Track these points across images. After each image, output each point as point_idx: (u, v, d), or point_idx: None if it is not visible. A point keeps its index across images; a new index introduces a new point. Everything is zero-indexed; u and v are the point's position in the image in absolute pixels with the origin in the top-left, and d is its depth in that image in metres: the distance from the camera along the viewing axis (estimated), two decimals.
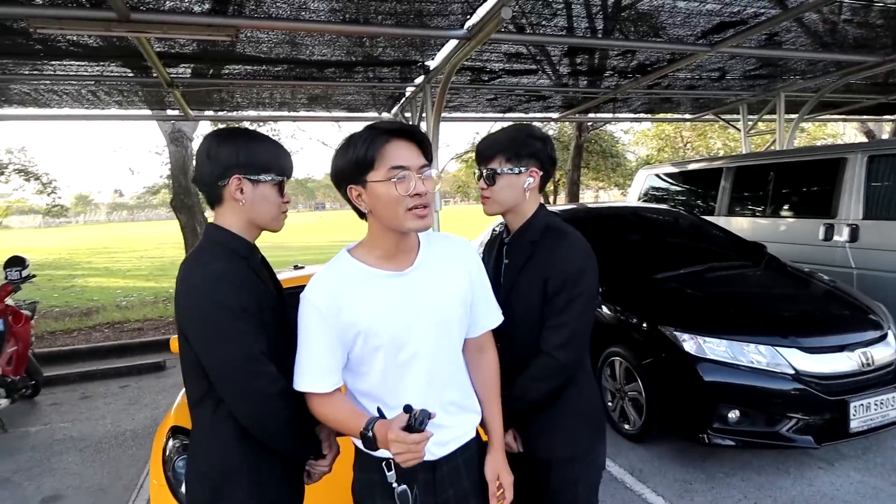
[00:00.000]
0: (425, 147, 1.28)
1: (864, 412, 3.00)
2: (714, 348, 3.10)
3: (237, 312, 1.24)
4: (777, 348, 3.06)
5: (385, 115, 7.36)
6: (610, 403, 3.77)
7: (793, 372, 3.00)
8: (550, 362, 1.52)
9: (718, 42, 4.90)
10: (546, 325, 1.54)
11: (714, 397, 3.02)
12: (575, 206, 5.83)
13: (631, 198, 7.97)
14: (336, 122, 10.08)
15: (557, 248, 1.56)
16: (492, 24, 3.71)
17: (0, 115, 6.23)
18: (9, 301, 4.58)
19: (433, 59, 5.05)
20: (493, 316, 1.50)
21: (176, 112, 6.49)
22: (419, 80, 5.67)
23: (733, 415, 3.01)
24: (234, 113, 7.22)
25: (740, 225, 5.99)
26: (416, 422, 1.09)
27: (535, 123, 15.43)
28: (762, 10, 4.33)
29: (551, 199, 18.43)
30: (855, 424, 2.98)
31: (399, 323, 1.27)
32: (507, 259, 1.67)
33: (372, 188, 1.23)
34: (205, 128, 9.11)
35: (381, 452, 1.25)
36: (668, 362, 3.27)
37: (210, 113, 7.19)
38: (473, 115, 7.88)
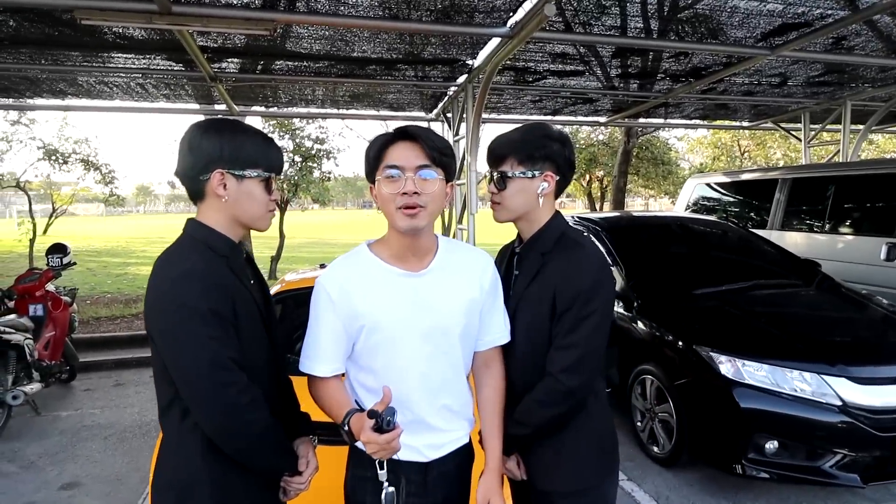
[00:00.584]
0: (429, 148, 1.27)
1: None
2: (753, 373, 2.88)
3: (205, 315, 1.15)
4: (823, 376, 2.82)
5: (428, 114, 7.32)
6: (639, 423, 3.58)
7: (840, 403, 2.76)
8: (557, 386, 1.39)
9: (780, 45, 4.60)
10: (554, 345, 1.41)
11: (751, 426, 2.81)
12: (617, 214, 5.61)
13: (678, 207, 7.66)
14: (382, 120, 10.14)
15: (569, 261, 1.43)
16: (535, 22, 3.59)
17: (52, 106, 6.53)
18: (49, 287, 4.77)
19: (475, 57, 4.96)
20: (503, 333, 1.47)
21: (223, 107, 6.64)
22: (461, 79, 5.59)
23: (771, 445, 2.79)
24: (279, 109, 7.33)
25: (794, 240, 5.64)
26: (384, 423, 1.14)
27: (581, 127, 15.10)
28: (829, 12, 4.00)
29: (597, 205, 18.00)
30: None
31: (400, 323, 1.30)
32: (517, 270, 1.55)
33: (376, 187, 1.31)
34: (251, 123, 9.30)
35: None
36: (702, 384, 3.06)
37: (256, 108, 7.32)
38: (517, 116, 7.72)
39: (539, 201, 1.48)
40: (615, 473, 1.55)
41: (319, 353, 1.34)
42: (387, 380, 1.29)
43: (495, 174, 1.50)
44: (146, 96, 6.07)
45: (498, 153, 1.50)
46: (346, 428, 1.26)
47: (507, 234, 1.53)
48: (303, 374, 1.38)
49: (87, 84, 5.56)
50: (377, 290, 1.31)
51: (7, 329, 4.15)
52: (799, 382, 2.81)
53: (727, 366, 2.94)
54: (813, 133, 8.03)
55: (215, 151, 1.24)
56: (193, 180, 1.27)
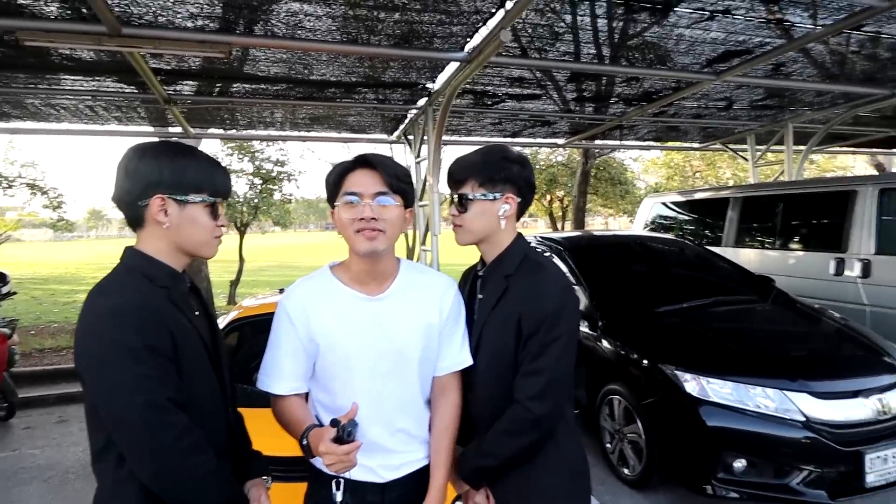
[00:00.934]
0: (387, 175, 1.31)
1: (881, 465, 2.79)
2: (718, 390, 2.91)
3: (139, 353, 1.06)
4: (786, 392, 2.87)
5: (390, 136, 7.30)
6: (608, 445, 3.57)
7: (803, 419, 2.81)
8: (524, 414, 1.35)
9: (724, 71, 4.80)
10: (520, 371, 1.38)
11: (718, 444, 2.82)
12: (578, 234, 5.68)
13: (637, 226, 7.84)
14: (343, 142, 10.06)
15: (533, 284, 1.40)
16: (492, 47, 3.62)
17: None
18: None
19: (435, 81, 4.98)
20: (460, 358, 1.48)
21: (178, 129, 6.44)
22: (421, 102, 5.60)
23: (739, 464, 2.81)
24: (238, 131, 7.17)
25: (748, 257, 5.82)
26: (345, 433, 1.15)
27: (541, 149, 15.39)
28: (768, 40, 4.23)
29: (559, 224, 18.32)
30: (871, 478, 2.76)
31: (357, 345, 1.33)
32: (480, 294, 1.51)
33: (336, 212, 1.34)
34: (209, 145, 9.10)
35: (333, 472, 1.28)
36: (669, 403, 3.08)
37: (213, 131, 7.15)
38: (478, 139, 7.79)
39: (501, 223, 1.46)
40: (588, 499, 1.51)
41: (277, 372, 1.36)
42: (342, 400, 1.33)
43: (456, 196, 1.48)
44: (96, 119, 5.83)
45: (458, 176, 1.48)
46: (305, 442, 1.27)
47: (472, 255, 1.51)
48: (257, 406, 1.34)
49: (32, 106, 5.30)
50: (335, 311, 1.34)
51: None
52: (762, 399, 2.85)
53: (692, 384, 2.97)
54: (759, 154, 8.38)
55: (154, 175, 1.17)
56: (131, 206, 1.19)
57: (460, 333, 1.48)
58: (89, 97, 4.95)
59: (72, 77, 4.37)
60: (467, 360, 1.48)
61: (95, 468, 1.17)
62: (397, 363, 1.36)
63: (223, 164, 1.30)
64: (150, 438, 1.06)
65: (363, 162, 1.33)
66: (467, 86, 5.04)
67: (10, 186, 11.56)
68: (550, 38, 4.15)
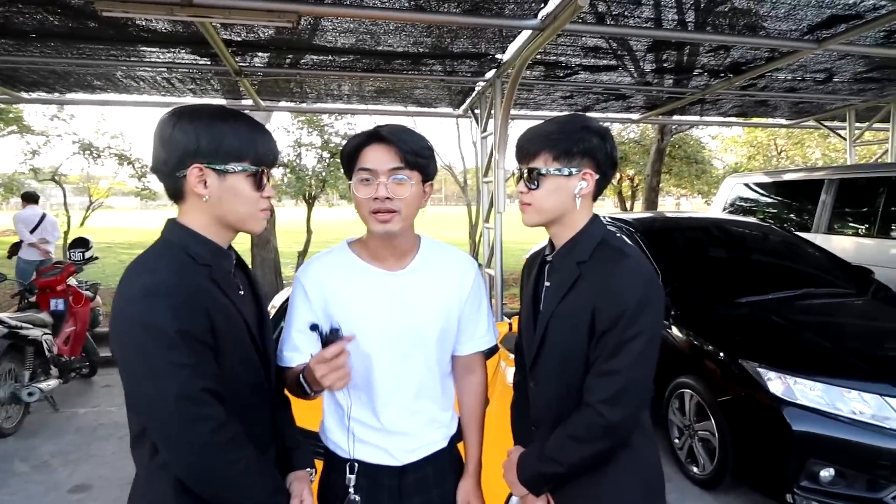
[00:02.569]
0: (402, 150, 1.23)
1: None
2: (807, 392, 2.65)
3: (173, 339, 0.97)
4: (886, 398, 2.58)
5: (456, 110, 7.16)
6: (676, 440, 3.37)
7: None
8: (596, 420, 1.19)
9: (827, 38, 4.30)
10: (593, 371, 1.22)
11: (804, 451, 2.59)
12: (651, 215, 5.37)
13: (715, 208, 7.36)
14: (410, 116, 10.00)
15: (612, 273, 1.22)
16: (567, 13, 3.39)
17: (79, 100, 6.57)
18: (71, 281, 4.76)
19: (505, 51, 4.78)
20: (484, 338, 1.45)
21: (249, 102, 6.58)
22: (490, 74, 5.41)
23: (827, 473, 2.57)
24: (306, 104, 7.25)
25: (841, 245, 5.32)
26: (330, 333, 1.13)
27: (613, 124, 14.82)
28: (883, 3, 3.72)
29: (628, 205, 17.59)
30: None
31: (374, 321, 1.29)
32: (548, 281, 1.36)
33: (352, 189, 1.29)
34: (279, 119, 9.31)
35: (346, 454, 1.32)
36: (748, 403, 2.84)
37: (283, 104, 7.26)
38: (547, 113, 7.50)
39: (576, 203, 1.29)
40: None
41: (291, 347, 1.33)
42: (359, 378, 1.29)
43: (525, 171, 1.30)
44: (173, 91, 6.04)
45: (529, 147, 1.30)
46: (303, 378, 1.22)
47: (538, 235, 1.36)
48: None
49: (115, 79, 5.55)
50: (352, 286, 1.31)
51: (25, 324, 4.13)
52: (858, 404, 2.58)
53: (777, 383, 2.72)
54: (858, 132, 7.62)
55: (190, 143, 1.06)
56: (169, 177, 1.10)
57: (484, 314, 1.45)
58: (165, 69, 5.11)
59: (149, 49, 4.51)
60: (491, 342, 1.46)
61: (133, 453, 1.13)
62: (415, 341, 1.32)
63: (268, 128, 1.18)
64: (183, 432, 0.99)
65: (377, 136, 1.25)
66: (539, 56, 4.80)
67: (98, 156, 12.38)
68: (630, 2, 3.84)
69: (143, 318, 0.98)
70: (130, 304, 1.01)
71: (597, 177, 1.29)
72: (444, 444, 1.40)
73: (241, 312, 1.13)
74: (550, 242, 1.41)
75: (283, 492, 1.21)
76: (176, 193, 1.12)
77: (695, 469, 3.21)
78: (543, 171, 1.28)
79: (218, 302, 1.08)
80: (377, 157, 1.24)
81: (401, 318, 1.30)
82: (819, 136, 16.52)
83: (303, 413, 1.46)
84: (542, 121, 1.36)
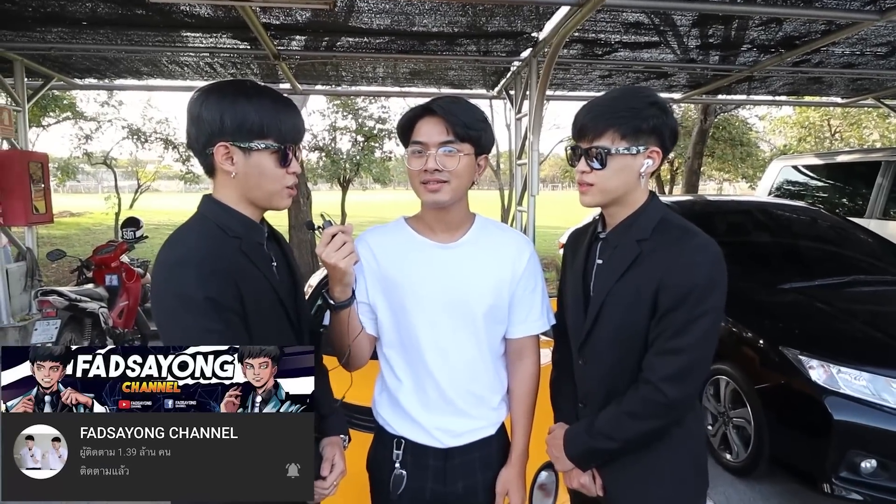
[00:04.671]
0: (452, 124, 1.26)
1: None
2: (850, 381, 2.56)
3: (201, 305, 1.02)
4: None
5: (490, 91, 7.09)
6: (710, 427, 3.31)
7: None
8: (656, 397, 1.20)
9: (891, 9, 4.03)
10: (654, 349, 1.22)
11: (845, 441, 2.51)
12: (692, 198, 5.22)
13: (761, 192, 7.09)
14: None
15: (681, 252, 1.22)
16: None
17: (128, 86, 6.81)
18: (124, 258, 5.00)
19: (541, 29, 4.68)
20: (538, 322, 1.42)
21: (287, 86, 6.68)
22: (525, 53, 5.32)
23: (868, 465, 2.49)
24: (342, 87, 7.30)
25: None
26: (322, 224, 1.20)
27: None
28: None
29: (667, 189, 17.10)
30: None
31: (422, 290, 1.31)
32: (599, 259, 1.34)
33: (406, 160, 1.33)
34: (315, 102, 9.42)
35: (394, 430, 1.37)
36: (787, 391, 2.77)
37: (319, 87, 7.34)
38: (584, 93, 7.31)
39: (640, 181, 1.27)
40: (705, 497, 1.36)
41: None
42: (409, 353, 1.33)
43: (592, 150, 1.25)
44: (214, 76, 6.18)
45: (595, 126, 1.25)
46: (326, 290, 1.28)
47: (571, 218, 1.34)
48: None
49: (161, 64, 5.73)
50: (404, 256, 1.33)
51: (83, 298, 4.38)
52: None
53: (819, 371, 2.63)
54: None
55: (216, 122, 1.10)
56: (201, 154, 1.15)
57: (539, 296, 1.41)
58: (208, 54, 5.24)
59: (192, 34, 4.63)
60: (545, 326, 1.42)
61: None
62: (465, 316, 1.32)
63: (295, 105, 1.20)
64: None
65: (429, 109, 1.28)
66: (577, 34, 4.68)
67: (146, 141, 12.83)
68: None
69: (174, 287, 1.04)
70: (163, 273, 1.07)
71: (661, 153, 1.27)
72: (491, 430, 1.40)
73: (271, 283, 1.18)
74: (602, 219, 1.38)
75: (316, 455, 1.27)
76: (209, 170, 1.18)
77: (728, 456, 3.15)
78: (612, 151, 1.23)
79: (247, 273, 1.12)
80: (428, 130, 1.27)
81: (449, 291, 1.31)
82: (878, 117, 15.63)
83: (356, 389, 1.51)
84: (576, 105, 1.33)
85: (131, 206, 14.37)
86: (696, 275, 1.18)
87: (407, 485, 1.33)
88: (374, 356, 1.44)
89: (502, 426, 1.44)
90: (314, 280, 3.69)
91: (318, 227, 1.20)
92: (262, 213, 1.24)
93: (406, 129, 1.31)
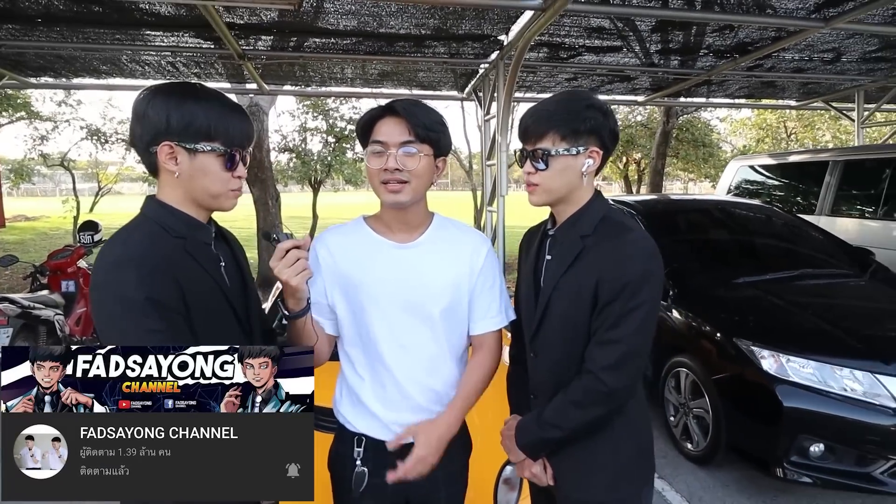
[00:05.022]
0: (413, 125, 1.27)
1: None
2: (799, 370, 2.70)
3: (142, 307, 1.00)
4: (878, 376, 2.63)
5: (460, 93, 7.14)
6: (672, 418, 3.43)
7: (895, 405, 2.55)
8: (596, 386, 1.25)
9: (835, 17, 4.25)
10: (594, 340, 1.28)
11: (795, 426, 2.64)
12: (654, 197, 5.37)
13: (719, 191, 7.33)
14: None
15: (616, 246, 1.28)
16: None
17: (85, 85, 6.61)
18: (82, 263, 4.86)
19: (508, 33, 4.76)
20: (497, 318, 1.44)
21: (253, 86, 6.60)
22: (493, 56, 5.39)
23: (816, 448, 2.62)
24: (310, 88, 7.25)
25: (845, 227, 5.31)
26: (277, 236, 1.19)
27: (619, 107, 14.68)
28: None
29: (634, 188, 17.49)
30: None
31: (381, 291, 1.32)
32: (549, 255, 1.40)
33: (366, 159, 1.34)
34: (284, 103, 9.32)
35: (355, 428, 1.38)
36: (742, 381, 2.89)
37: (287, 87, 7.26)
38: (551, 95, 7.45)
39: (582, 180, 1.32)
40: (652, 481, 1.43)
41: None
42: (369, 352, 1.34)
43: (535, 151, 1.32)
44: (177, 75, 6.06)
45: (536, 128, 1.31)
46: (281, 300, 1.28)
47: (541, 217, 1.40)
48: None
49: (121, 63, 5.58)
50: (362, 255, 1.35)
51: (37, 305, 4.24)
52: (850, 381, 2.62)
53: (770, 361, 2.76)
54: (867, 114, 7.52)
55: (161, 121, 1.10)
56: (144, 153, 1.15)
57: (497, 292, 1.43)
58: (169, 53, 5.13)
59: (153, 32, 4.53)
60: (504, 322, 1.45)
61: None
62: (420, 314, 1.33)
63: (244, 111, 1.21)
64: None
65: (390, 110, 1.29)
66: (541, 38, 4.77)
67: (107, 142, 12.45)
68: None
69: (114, 288, 1.02)
70: (102, 275, 1.04)
71: (601, 153, 1.33)
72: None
73: (218, 284, 1.17)
74: (552, 217, 1.44)
75: None
76: (152, 168, 1.17)
77: (689, 445, 3.27)
78: (553, 152, 1.29)
79: (191, 272, 1.11)
80: (389, 130, 1.28)
81: (407, 290, 1.32)
82: (830, 119, 16.32)
83: (318, 390, 1.52)
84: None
85: (91, 209, 13.92)
86: (630, 269, 1.24)
87: (368, 481, 1.34)
88: (334, 357, 1.44)
89: (463, 422, 1.44)
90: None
91: (274, 239, 1.19)
92: (208, 214, 1.23)
93: (366, 129, 1.32)
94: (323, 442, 1.52)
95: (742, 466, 3.11)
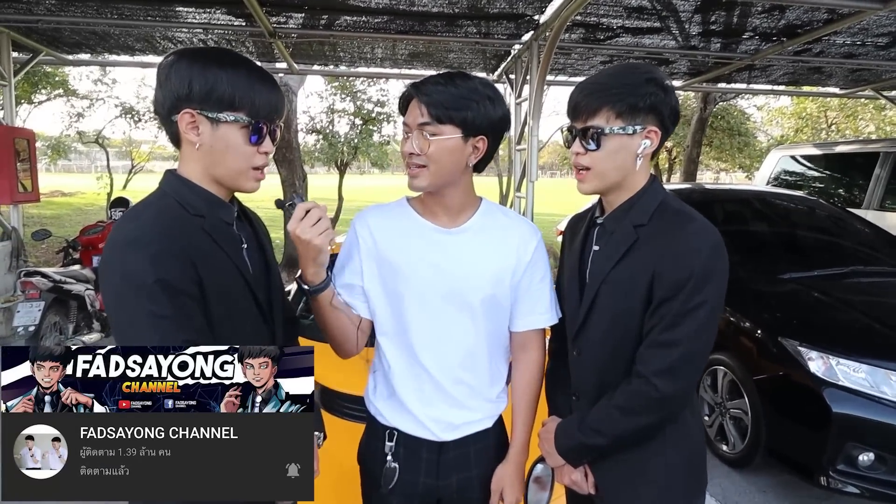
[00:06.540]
0: (431, 104, 1.17)
1: None
2: (849, 373, 2.54)
3: (152, 289, 0.94)
4: None
5: (491, 75, 6.98)
6: (707, 418, 3.29)
7: None
8: (648, 391, 1.13)
9: None
10: (648, 341, 1.15)
11: (843, 434, 2.49)
12: (689, 186, 5.17)
13: (759, 181, 7.06)
14: None
15: (676, 238, 1.14)
16: None
17: (120, 62, 6.65)
18: None
19: (543, 12, 4.59)
20: (545, 316, 1.35)
21: (283, 65, 6.55)
22: (527, 36, 5.23)
23: (866, 458, 2.47)
24: (340, 68, 7.17)
25: (895, 221, 5.04)
26: (294, 200, 1.11)
27: None
28: None
29: (665, 177, 17.06)
30: None
31: (420, 275, 1.25)
32: (596, 245, 1.27)
33: None
34: (313, 84, 9.29)
35: (387, 421, 1.31)
36: (785, 382, 2.75)
37: (316, 67, 7.20)
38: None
39: (637, 164, 1.19)
40: (703, 494, 1.32)
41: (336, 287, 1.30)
42: (404, 342, 1.27)
43: (586, 130, 1.18)
44: None
45: (588, 103, 1.17)
46: (299, 277, 1.22)
47: (571, 205, 1.28)
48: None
49: (154, 40, 5.59)
50: (402, 237, 1.28)
51: (69, 279, 4.28)
52: None
53: (818, 363, 2.61)
54: None
55: (183, 87, 1.01)
56: (165, 120, 1.06)
57: (546, 289, 1.34)
58: (201, 30, 5.11)
59: (185, 9, 4.50)
60: (552, 320, 1.35)
61: None
62: (459, 304, 1.25)
63: (275, 80, 1.11)
64: None
65: (413, 88, 1.21)
66: (579, 17, 4.60)
67: (140, 120, 12.64)
68: None
69: (124, 268, 0.95)
70: (112, 253, 0.98)
71: (660, 134, 1.19)
72: (489, 423, 1.34)
73: (238, 267, 1.09)
74: (600, 204, 1.32)
75: None
76: (174, 138, 1.09)
77: (724, 447, 3.14)
78: (606, 131, 1.16)
79: (208, 254, 1.03)
80: (411, 112, 1.21)
81: (447, 279, 1.24)
82: (874, 109, 15.62)
83: (349, 378, 1.46)
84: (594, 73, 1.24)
85: (125, 186, 14.21)
86: (693, 263, 1.11)
87: (399, 478, 1.28)
88: (371, 342, 1.37)
89: (500, 419, 1.38)
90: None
91: (289, 203, 1.13)
92: (230, 193, 1.14)
93: (402, 111, 1.26)
94: (354, 432, 1.47)
95: (780, 471, 2.97)
